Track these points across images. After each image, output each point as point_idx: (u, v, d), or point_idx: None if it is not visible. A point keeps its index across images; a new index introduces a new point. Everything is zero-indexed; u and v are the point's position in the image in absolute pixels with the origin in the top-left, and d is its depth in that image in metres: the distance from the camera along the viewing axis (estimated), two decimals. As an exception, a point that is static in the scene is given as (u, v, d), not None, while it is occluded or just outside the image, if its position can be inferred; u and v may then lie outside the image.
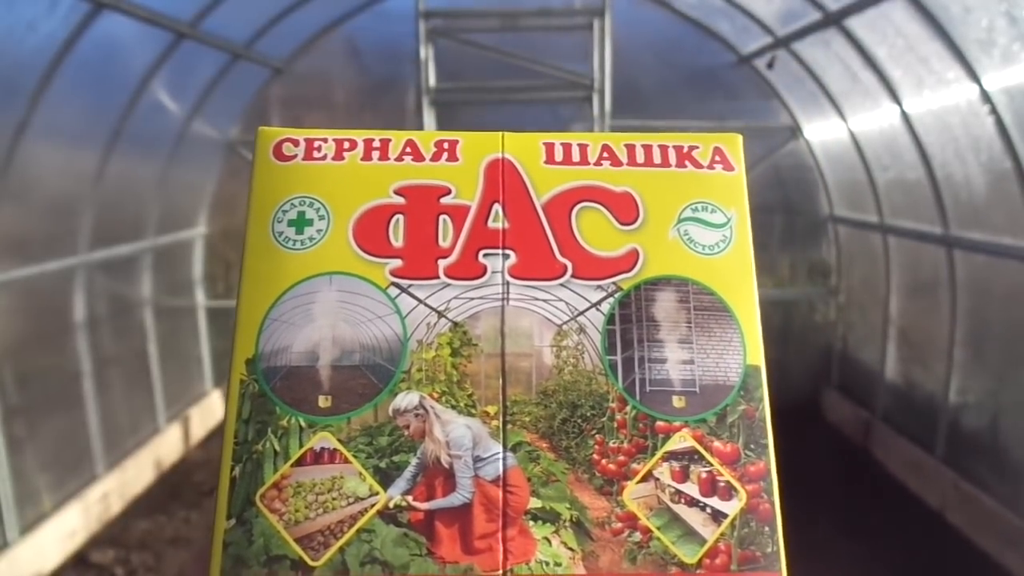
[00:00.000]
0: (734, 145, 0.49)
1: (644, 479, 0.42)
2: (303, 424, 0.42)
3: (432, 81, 3.53)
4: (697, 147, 0.49)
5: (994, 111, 2.66)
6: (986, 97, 2.68)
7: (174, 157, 3.66)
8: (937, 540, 2.99)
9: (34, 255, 2.84)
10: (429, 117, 3.58)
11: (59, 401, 3.01)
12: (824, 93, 3.75)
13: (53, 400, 2.99)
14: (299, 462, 0.41)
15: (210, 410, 4.12)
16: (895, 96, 3.23)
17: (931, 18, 2.69)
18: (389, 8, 3.94)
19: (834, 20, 3.14)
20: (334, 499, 0.41)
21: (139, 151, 3.43)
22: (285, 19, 3.65)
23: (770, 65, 3.78)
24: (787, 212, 4.32)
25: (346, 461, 0.41)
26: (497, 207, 0.46)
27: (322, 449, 0.42)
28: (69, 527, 2.88)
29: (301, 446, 0.42)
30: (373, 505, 0.41)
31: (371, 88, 4.33)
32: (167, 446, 3.67)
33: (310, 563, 0.40)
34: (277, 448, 0.42)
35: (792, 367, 4.39)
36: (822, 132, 4.06)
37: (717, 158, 0.48)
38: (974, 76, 2.69)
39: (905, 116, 3.22)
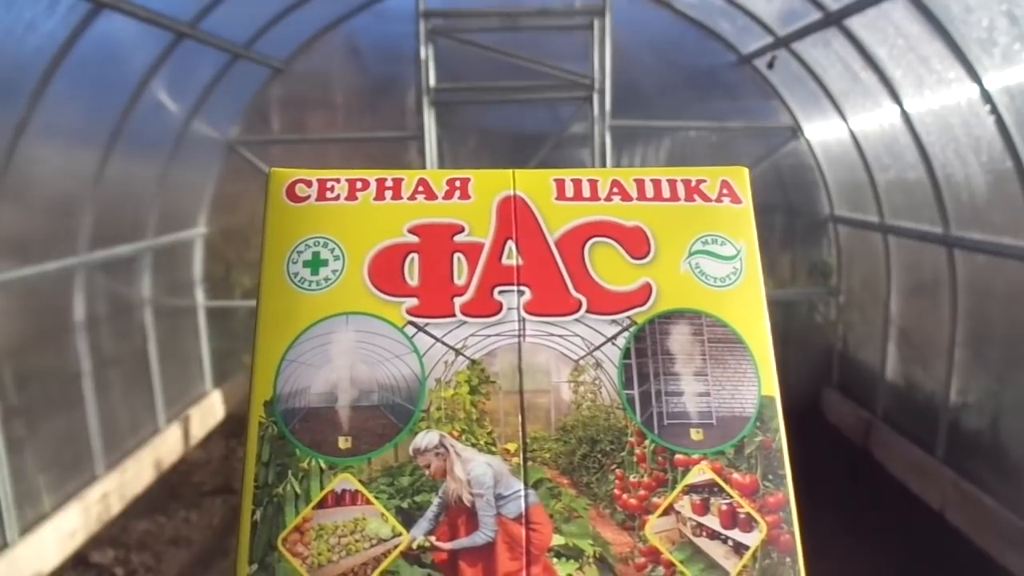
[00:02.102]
0: (741, 178, 0.50)
1: (665, 513, 0.42)
2: (323, 466, 0.42)
3: (432, 81, 3.53)
4: (705, 180, 0.49)
5: (995, 111, 2.66)
6: (987, 97, 2.68)
7: (174, 157, 3.66)
8: (937, 540, 2.99)
9: (34, 255, 2.83)
10: (429, 117, 3.58)
11: (59, 401, 3.01)
12: (824, 93, 3.75)
13: (53, 400, 2.99)
14: (321, 504, 0.41)
15: (210, 410, 4.12)
16: (895, 96, 3.23)
17: (932, 18, 2.69)
18: (389, 8, 3.93)
19: (834, 20, 3.13)
20: (357, 541, 0.41)
21: (139, 151, 3.43)
22: (285, 19, 3.65)
23: (770, 65, 3.78)
24: (787, 212, 4.32)
25: (368, 502, 0.41)
26: (511, 244, 0.47)
27: (343, 491, 0.42)
28: (69, 527, 2.88)
29: (322, 488, 0.42)
30: (396, 546, 0.41)
31: (371, 88, 4.33)
32: (167, 446, 3.67)
33: None
34: (298, 491, 0.42)
35: (792, 367, 4.39)
36: (822, 132, 4.06)
37: (725, 191, 0.49)
38: (975, 76, 2.69)
39: (905, 116, 3.22)
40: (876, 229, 3.76)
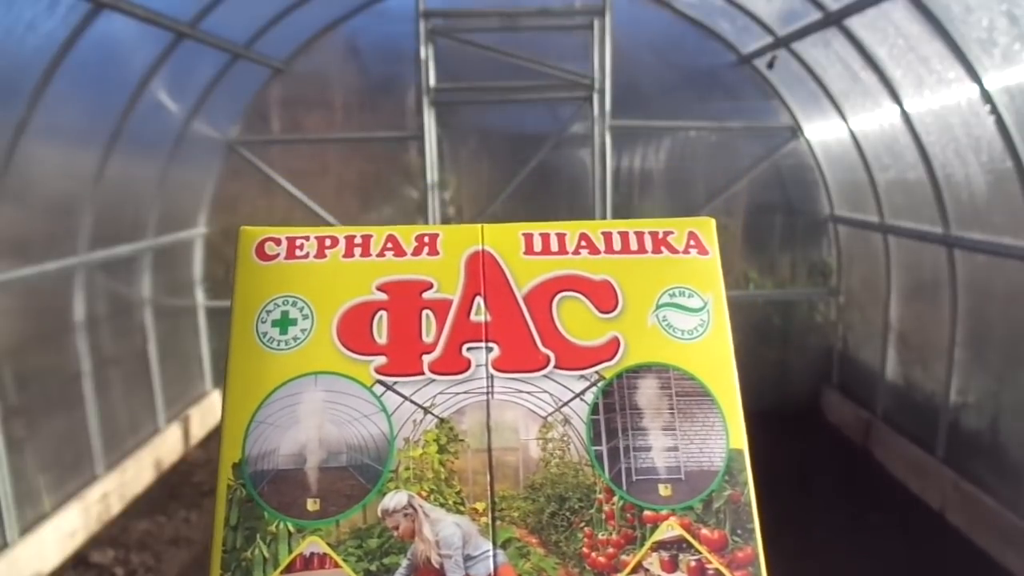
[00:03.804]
0: (708, 229, 0.50)
1: (634, 571, 0.42)
2: (292, 529, 0.42)
3: (432, 81, 3.53)
4: (672, 232, 0.49)
5: (995, 111, 2.66)
6: (987, 97, 2.68)
7: (174, 157, 3.66)
8: (937, 540, 2.99)
9: (34, 255, 2.83)
10: (429, 117, 3.58)
11: (59, 401, 3.01)
12: (824, 93, 3.75)
13: (53, 400, 2.99)
14: (289, 568, 0.41)
15: (210, 410, 4.12)
16: (895, 96, 3.23)
17: (932, 18, 2.69)
18: (389, 8, 3.93)
19: (834, 20, 3.13)
20: None
21: (139, 151, 3.43)
22: (285, 19, 3.65)
23: (770, 65, 3.78)
24: (787, 212, 4.32)
25: (336, 566, 0.41)
26: (479, 300, 0.46)
27: (312, 554, 0.41)
28: (69, 527, 2.88)
29: (291, 552, 0.41)
30: None
31: (371, 88, 4.33)
32: (167, 446, 3.67)
33: None
34: (266, 555, 0.41)
35: (792, 367, 4.39)
36: (822, 132, 4.06)
37: (692, 242, 0.49)
38: (975, 76, 2.69)
39: (905, 116, 3.22)
40: (876, 229, 3.76)
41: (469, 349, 0.45)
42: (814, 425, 4.13)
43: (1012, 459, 2.88)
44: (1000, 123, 2.65)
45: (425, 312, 0.46)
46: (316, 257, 0.48)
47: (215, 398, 4.18)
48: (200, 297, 4.17)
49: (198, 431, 3.96)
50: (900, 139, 3.35)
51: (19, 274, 2.73)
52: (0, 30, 2.41)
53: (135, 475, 3.36)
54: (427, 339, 0.45)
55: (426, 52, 3.47)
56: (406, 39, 3.62)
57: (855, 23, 3.11)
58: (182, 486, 3.51)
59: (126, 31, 2.91)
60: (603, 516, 0.43)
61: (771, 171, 4.19)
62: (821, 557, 2.79)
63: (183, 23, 3.00)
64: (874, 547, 2.94)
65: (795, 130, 4.12)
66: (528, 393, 0.45)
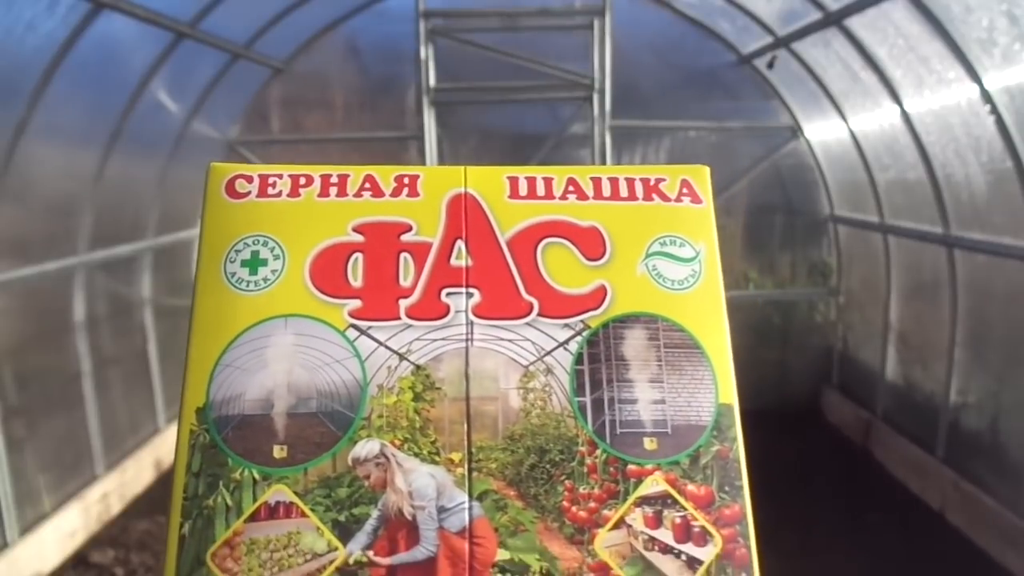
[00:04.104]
0: (701, 177, 0.48)
1: (616, 526, 0.40)
2: (257, 476, 0.40)
3: (432, 81, 3.52)
4: (664, 179, 0.47)
5: (995, 111, 2.66)
6: (987, 97, 2.68)
7: (174, 157, 3.66)
8: (937, 540, 2.99)
9: (34, 255, 2.83)
10: (429, 117, 3.58)
11: (59, 401, 3.01)
12: (824, 93, 3.75)
13: (53, 400, 2.99)
14: (253, 517, 0.39)
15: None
16: (895, 96, 3.23)
17: (932, 18, 2.69)
18: (389, 8, 3.93)
19: (834, 20, 3.13)
20: (290, 556, 0.38)
21: (139, 151, 3.43)
22: (285, 19, 3.65)
23: (770, 65, 3.78)
24: (787, 212, 4.32)
25: (303, 515, 0.39)
26: (460, 244, 0.45)
27: (277, 503, 0.39)
28: (69, 527, 2.88)
29: (255, 500, 0.39)
30: (332, 561, 0.38)
31: (371, 88, 4.33)
32: (167, 446, 3.67)
33: None
34: (229, 503, 0.39)
35: (792, 367, 4.39)
36: (822, 132, 4.06)
37: (685, 190, 0.47)
38: (975, 76, 2.69)
39: (905, 116, 3.22)
40: (876, 229, 3.76)
41: (448, 294, 0.44)
42: (814, 425, 4.13)
43: (1012, 459, 2.88)
44: (1000, 123, 2.65)
45: (403, 255, 0.44)
46: (289, 196, 0.46)
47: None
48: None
49: (198, 431, 3.96)
50: (900, 139, 3.35)
51: (19, 274, 2.73)
52: (0, 30, 2.41)
53: (135, 475, 3.36)
54: (404, 283, 0.44)
55: (426, 52, 3.47)
56: (406, 39, 3.61)
57: (855, 23, 3.11)
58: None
59: (126, 31, 2.91)
60: (585, 469, 0.41)
61: (771, 171, 4.19)
62: (821, 557, 2.79)
63: (183, 23, 3.00)
64: (874, 547, 2.94)
65: (795, 130, 4.12)
66: (509, 341, 0.43)
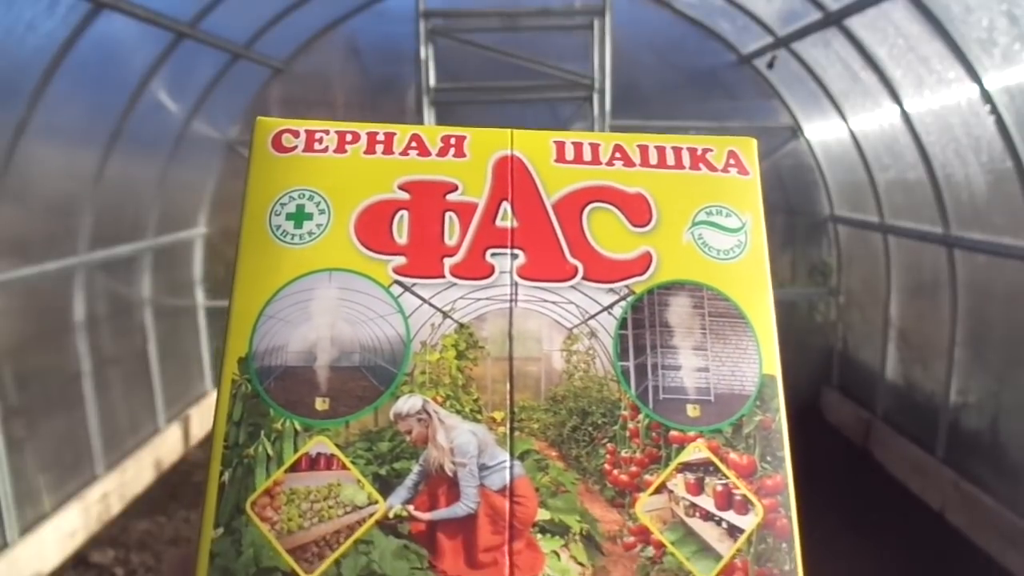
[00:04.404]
0: (749, 149, 0.48)
1: (657, 491, 0.40)
2: (298, 427, 0.40)
3: (432, 81, 3.52)
4: (711, 150, 0.47)
5: (995, 111, 2.66)
6: (987, 97, 2.68)
7: (174, 157, 3.66)
8: (937, 540, 2.99)
9: (34, 255, 2.83)
10: (429, 117, 3.58)
11: (59, 401, 3.01)
12: (824, 93, 3.75)
13: (53, 400, 2.99)
14: (293, 468, 0.39)
15: (210, 410, 4.12)
16: (895, 96, 3.23)
17: (932, 18, 2.69)
18: (389, 8, 3.94)
19: (834, 20, 3.13)
20: (330, 508, 0.38)
21: (139, 151, 3.43)
22: (285, 19, 3.65)
23: (770, 65, 3.78)
24: (787, 212, 4.32)
25: (343, 467, 0.39)
26: (506, 205, 0.45)
27: (318, 454, 0.39)
28: (69, 527, 2.88)
29: (296, 451, 0.39)
30: (372, 515, 0.38)
31: (371, 88, 4.33)
32: (167, 446, 3.67)
33: None
34: (270, 452, 0.39)
35: (792, 367, 4.37)
36: (822, 132, 4.06)
37: (732, 161, 0.47)
38: (975, 76, 2.69)
39: (905, 116, 3.22)
40: (876, 229, 3.76)
41: (493, 255, 0.43)
42: (814, 425, 4.13)
43: (1012, 459, 2.88)
44: (1000, 123, 2.65)
45: (448, 214, 0.44)
46: (336, 152, 0.46)
47: (215, 398, 4.18)
48: (200, 297, 4.16)
49: (198, 431, 3.96)
50: (900, 139, 3.35)
51: (19, 274, 2.73)
52: (0, 30, 2.41)
53: (135, 475, 3.36)
54: (449, 242, 0.43)
55: (426, 52, 3.47)
56: (406, 39, 3.61)
57: (855, 23, 3.11)
58: (182, 486, 3.51)
59: (126, 31, 2.91)
60: (627, 434, 0.41)
61: (771, 171, 4.19)
62: (820, 557, 2.78)
63: (183, 23, 3.00)
64: (874, 547, 2.94)
65: (795, 130, 4.12)
66: (553, 303, 0.43)
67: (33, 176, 2.75)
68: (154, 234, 3.65)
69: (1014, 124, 2.61)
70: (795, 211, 4.31)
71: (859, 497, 3.36)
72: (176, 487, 3.50)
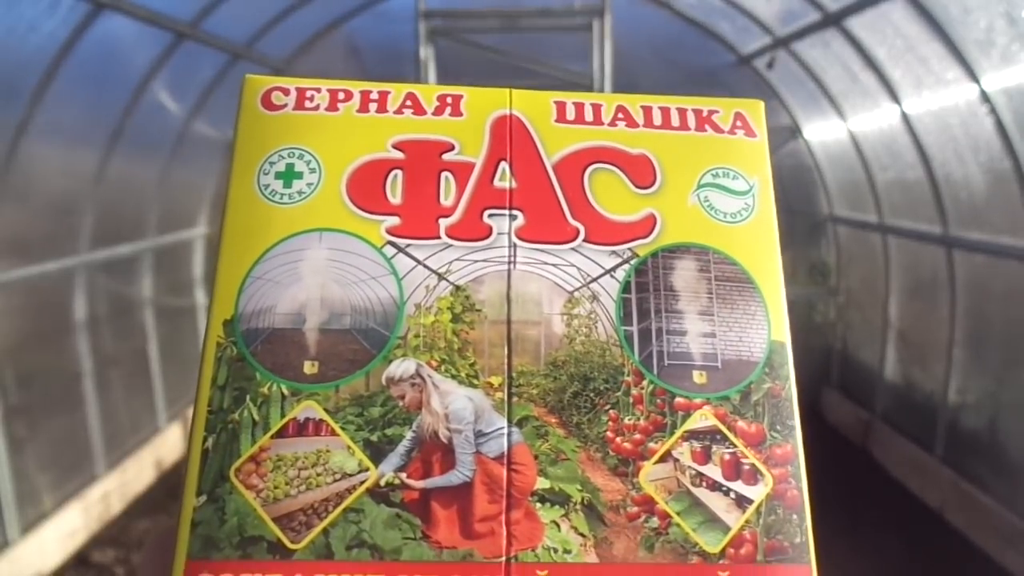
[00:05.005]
0: (756, 111, 0.46)
1: (662, 459, 0.38)
2: (286, 392, 0.38)
3: (432, 81, 3.53)
4: (717, 111, 0.46)
5: (993, 111, 2.67)
6: (985, 97, 2.69)
7: (174, 157, 3.66)
8: (937, 540, 3.00)
9: (34, 255, 2.84)
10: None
11: (59, 401, 3.01)
12: (824, 93, 3.76)
13: (53, 400, 2.99)
14: (280, 433, 0.37)
15: (210, 410, 4.13)
16: (895, 96, 3.23)
17: (931, 18, 2.70)
18: (389, 8, 3.94)
19: (834, 20, 3.14)
20: (318, 475, 0.37)
21: (139, 151, 3.43)
22: (285, 19, 3.66)
23: (770, 65, 3.79)
24: (787, 212, 4.32)
25: (333, 433, 0.37)
26: (504, 165, 0.43)
27: (306, 419, 0.38)
28: (69, 527, 2.88)
29: (283, 416, 0.38)
30: (362, 482, 0.37)
31: (371, 88, 4.33)
32: (167, 446, 3.67)
33: (289, 545, 0.36)
34: (256, 417, 0.37)
35: (792, 367, 4.40)
36: (822, 132, 4.06)
37: (739, 123, 0.46)
38: (973, 76, 2.69)
39: (905, 116, 3.23)
40: (875, 229, 3.77)
41: (491, 215, 0.42)
42: (814, 425, 4.13)
43: (1011, 459, 2.89)
44: (999, 123, 2.66)
45: (444, 174, 0.42)
46: (328, 110, 0.44)
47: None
48: (200, 297, 4.17)
49: (198, 431, 3.96)
50: (899, 139, 3.36)
51: (19, 274, 2.73)
52: (1, 30, 2.41)
53: (136, 474, 3.36)
54: (445, 202, 0.42)
55: (426, 52, 3.48)
56: (406, 39, 3.62)
57: (854, 24, 3.11)
58: (182, 486, 3.51)
59: (126, 31, 2.92)
60: (631, 400, 0.39)
61: (771, 171, 4.20)
62: (820, 557, 2.79)
63: (183, 23, 3.01)
64: (874, 546, 2.94)
65: (794, 130, 4.13)
66: (554, 266, 0.41)
67: (34, 176, 2.76)
68: (154, 234, 3.65)
69: (1012, 124, 2.62)
70: (794, 211, 4.31)
71: (859, 497, 3.37)
72: (177, 486, 3.49)
